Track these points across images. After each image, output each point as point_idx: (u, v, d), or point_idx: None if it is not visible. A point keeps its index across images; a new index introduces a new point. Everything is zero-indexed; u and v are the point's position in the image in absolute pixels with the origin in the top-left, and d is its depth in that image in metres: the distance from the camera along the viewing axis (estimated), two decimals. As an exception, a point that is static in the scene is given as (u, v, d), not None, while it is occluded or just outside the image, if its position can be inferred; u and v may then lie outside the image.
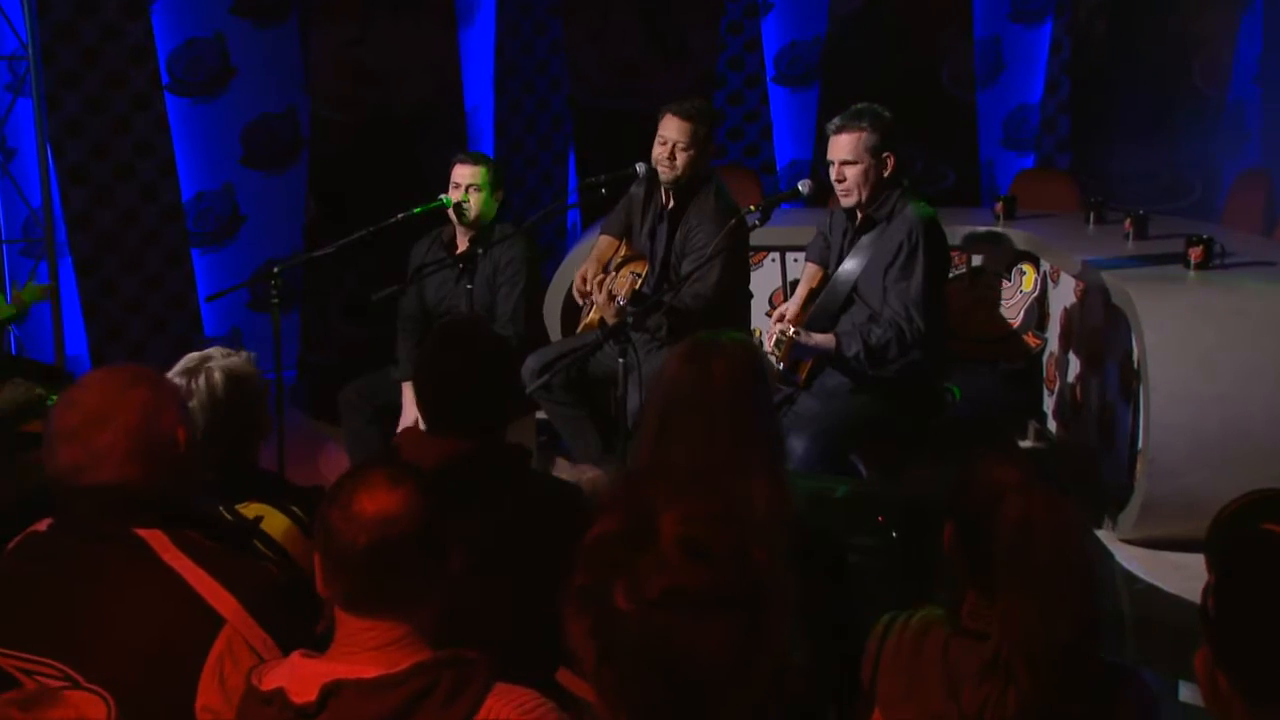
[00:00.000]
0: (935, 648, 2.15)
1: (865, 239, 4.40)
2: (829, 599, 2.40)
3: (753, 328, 5.16)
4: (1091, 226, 5.98)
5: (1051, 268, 5.79)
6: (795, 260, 5.59)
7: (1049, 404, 5.86)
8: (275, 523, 2.57)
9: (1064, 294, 5.67)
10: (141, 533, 2.03)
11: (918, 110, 6.49)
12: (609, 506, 1.62)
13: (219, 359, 2.75)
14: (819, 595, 2.27)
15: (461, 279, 4.71)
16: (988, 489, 2.11)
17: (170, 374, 2.66)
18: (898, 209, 4.35)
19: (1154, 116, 7.23)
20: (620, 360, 3.92)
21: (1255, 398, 4.54)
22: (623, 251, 4.85)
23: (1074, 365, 5.56)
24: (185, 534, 2.06)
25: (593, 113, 7.48)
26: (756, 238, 4.84)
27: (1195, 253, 5.00)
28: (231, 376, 2.72)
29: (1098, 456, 5.20)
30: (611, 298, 4.38)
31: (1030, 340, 5.95)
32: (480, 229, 4.82)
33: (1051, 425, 5.80)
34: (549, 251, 7.00)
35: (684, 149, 4.51)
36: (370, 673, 1.78)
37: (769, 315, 4.85)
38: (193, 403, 2.64)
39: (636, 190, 4.83)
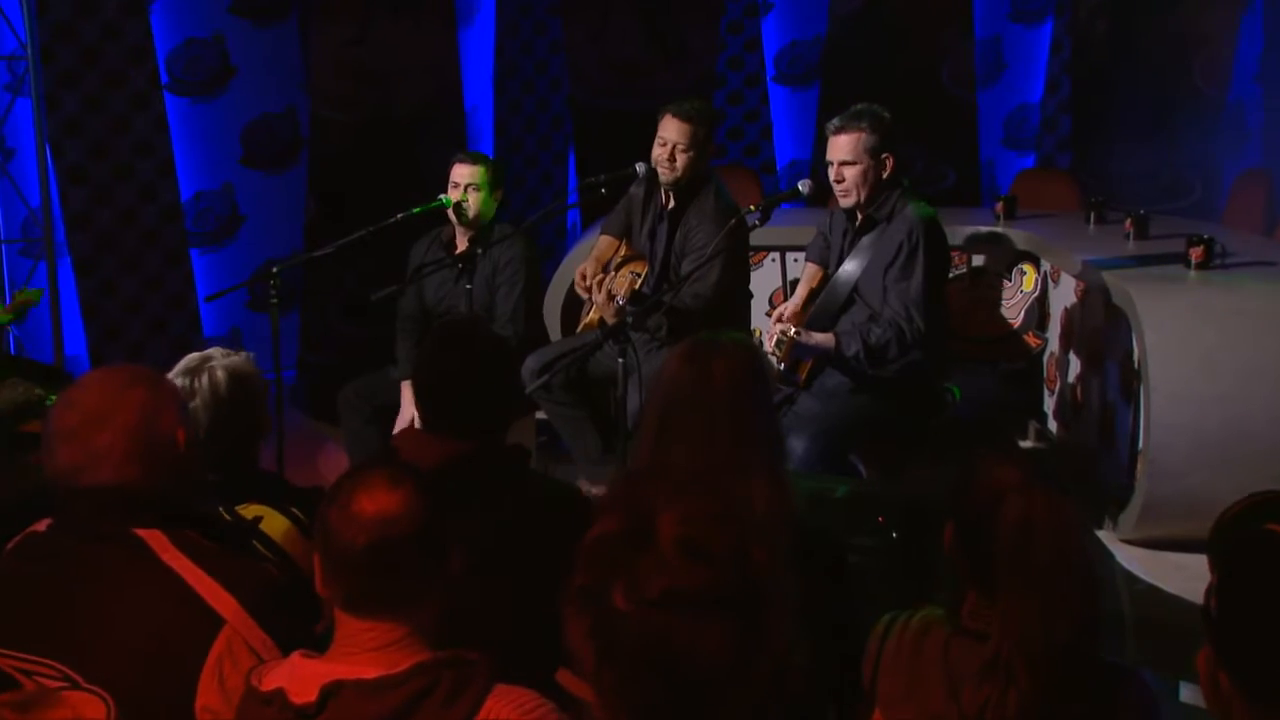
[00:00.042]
0: (935, 648, 2.15)
1: (865, 239, 4.40)
2: (829, 599, 2.40)
3: (753, 328, 5.16)
4: (1092, 226, 5.98)
5: (1052, 268, 5.79)
6: (795, 260, 5.59)
7: (1049, 404, 5.86)
8: (275, 524, 2.56)
9: (1064, 294, 5.67)
10: (141, 533, 2.03)
11: (918, 110, 6.49)
12: (609, 507, 1.62)
13: (220, 359, 2.76)
14: (819, 595, 2.27)
15: (461, 279, 4.71)
16: (988, 489, 2.11)
17: (172, 374, 2.66)
18: (898, 209, 4.35)
19: (1154, 116, 7.23)
20: (620, 360, 3.91)
21: (1256, 398, 4.54)
22: (622, 251, 4.84)
23: (1074, 365, 5.56)
24: (184, 534, 2.06)
25: (592, 113, 7.47)
26: (756, 238, 4.84)
27: (1196, 253, 5.00)
28: (234, 375, 2.73)
29: (1098, 457, 5.20)
30: (611, 297, 4.38)
31: (1030, 340, 5.95)
32: (480, 229, 4.82)
33: (1052, 425, 5.80)
34: (549, 251, 6.99)
35: (684, 150, 4.51)
36: (370, 673, 1.78)
37: (769, 315, 4.84)
38: (195, 402, 2.64)
39: (636, 190, 4.82)
